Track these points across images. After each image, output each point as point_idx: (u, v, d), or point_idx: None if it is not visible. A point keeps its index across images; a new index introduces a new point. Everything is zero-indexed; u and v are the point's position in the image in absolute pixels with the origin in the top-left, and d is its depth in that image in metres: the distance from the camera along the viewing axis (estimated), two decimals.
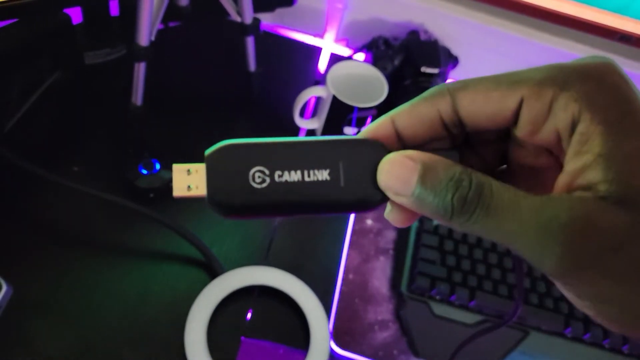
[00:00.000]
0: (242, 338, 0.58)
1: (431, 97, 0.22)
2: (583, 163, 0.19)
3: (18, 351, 0.53)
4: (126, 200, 0.59)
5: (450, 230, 0.66)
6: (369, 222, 0.68)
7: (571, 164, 0.20)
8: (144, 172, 0.64)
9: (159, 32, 0.65)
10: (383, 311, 0.62)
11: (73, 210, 0.63)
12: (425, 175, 0.20)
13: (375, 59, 0.80)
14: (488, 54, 0.84)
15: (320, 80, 0.84)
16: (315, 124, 0.74)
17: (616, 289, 0.18)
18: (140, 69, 0.65)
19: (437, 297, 0.62)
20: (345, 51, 0.89)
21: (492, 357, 0.60)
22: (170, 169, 0.64)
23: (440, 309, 0.62)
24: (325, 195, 0.21)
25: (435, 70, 0.76)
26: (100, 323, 0.56)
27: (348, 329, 0.60)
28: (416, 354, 0.60)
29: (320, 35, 0.90)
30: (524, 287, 0.62)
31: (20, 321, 0.55)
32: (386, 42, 0.81)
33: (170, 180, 0.66)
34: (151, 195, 0.64)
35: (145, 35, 0.61)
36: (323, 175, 0.21)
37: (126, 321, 0.57)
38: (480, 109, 0.21)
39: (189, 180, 0.22)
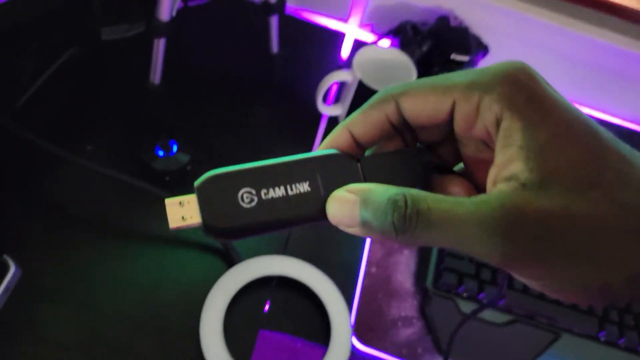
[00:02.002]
0: (260, 330, 0.55)
1: (378, 103, 0.25)
2: (508, 156, 0.22)
3: (24, 335, 0.51)
4: (142, 182, 0.56)
5: None
6: None
7: (499, 157, 0.22)
8: (161, 153, 0.61)
9: (179, 11, 0.62)
10: (407, 307, 0.59)
11: (86, 191, 0.60)
12: (366, 204, 0.22)
13: (403, 45, 0.76)
14: (520, 44, 0.80)
15: (342, 66, 0.81)
16: (339, 110, 0.71)
17: (549, 268, 0.21)
18: (160, 45, 0.62)
19: (465, 295, 0.59)
20: (369, 37, 0.85)
21: (524, 359, 0.57)
22: (188, 151, 0.62)
23: (467, 307, 0.59)
24: (309, 205, 0.23)
25: (465, 58, 0.73)
26: (111, 309, 0.54)
27: (370, 325, 0.57)
28: (441, 352, 0.57)
29: (345, 20, 0.86)
30: (504, 274, 0.58)
31: (28, 304, 0.52)
32: (414, 27, 0.77)
33: (187, 164, 0.64)
34: (167, 178, 0.61)
35: (166, 9, 0.58)
36: (304, 187, 0.23)
37: (138, 308, 0.54)
38: (421, 112, 0.24)
39: (182, 211, 0.23)
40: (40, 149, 0.56)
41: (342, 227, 0.23)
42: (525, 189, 0.21)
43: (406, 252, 0.63)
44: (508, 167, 0.22)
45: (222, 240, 0.26)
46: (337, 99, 0.74)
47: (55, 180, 0.59)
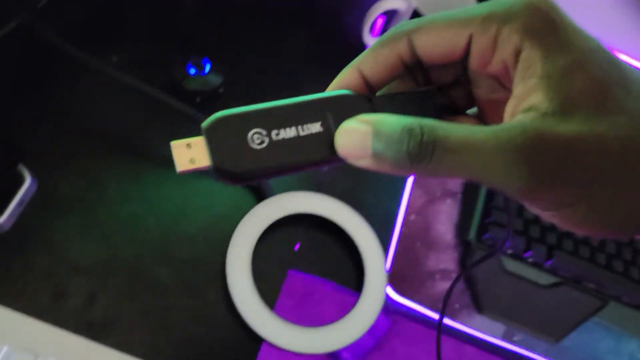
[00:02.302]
0: (289, 270, 0.51)
1: (390, 41, 0.24)
2: (528, 87, 0.21)
3: (39, 253, 0.47)
4: (172, 99, 0.51)
5: None
6: None
7: (517, 89, 0.22)
8: (192, 72, 0.56)
9: None
10: (446, 260, 0.55)
11: (110, 104, 0.55)
12: (379, 134, 0.21)
13: None
14: None
15: None
16: None
17: (577, 193, 0.20)
18: None
19: (510, 252, 0.55)
20: None
21: (566, 324, 0.53)
22: (221, 72, 0.56)
23: (512, 265, 0.55)
24: (321, 145, 0.23)
25: None
26: (130, 233, 0.50)
27: (406, 275, 0.53)
28: (480, 310, 0.53)
29: None
30: (512, 216, 0.54)
31: (43, 220, 0.48)
32: None
33: (220, 86, 0.59)
34: (198, 99, 0.56)
35: None
36: (316, 127, 0.23)
37: (160, 236, 0.50)
38: (435, 48, 0.23)
39: (190, 154, 0.22)
40: (63, 54, 0.51)
41: (351, 160, 0.22)
42: (545, 117, 0.20)
43: (449, 201, 0.58)
44: (527, 99, 0.21)
45: (232, 183, 0.23)
46: (384, 30, 0.68)
47: (78, 90, 0.54)
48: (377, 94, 0.25)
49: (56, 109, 0.54)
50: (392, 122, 0.21)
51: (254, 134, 0.22)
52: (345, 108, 0.23)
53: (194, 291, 0.49)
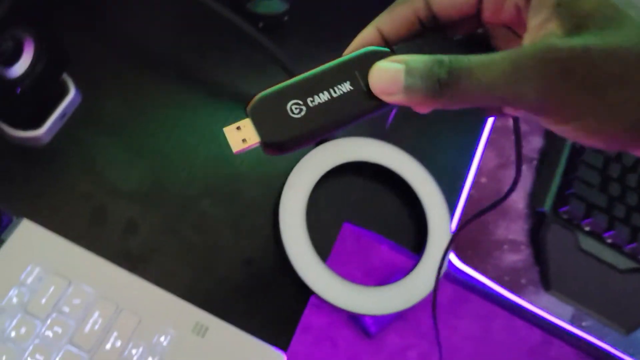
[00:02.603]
0: (345, 223, 0.47)
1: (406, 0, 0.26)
2: (541, 18, 0.23)
3: (77, 171, 0.43)
4: (237, 18, 0.45)
5: (620, 154, 0.52)
6: None
7: (532, 22, 0.23)
8: None
9: None
10: (516, 230, 0.50)
11: (166, 21, 0.50)
12: (410, 68, 0.23)
13: None
14: None
15: None
16: None
17: (590, 100, 0.21)
18: None
19: (588, 229, 0.49)
20: None
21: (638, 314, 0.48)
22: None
23: (588, 244, 0.49)
24: (355, 101, 0.25)
25: None
26: (177, 163, 0.45)
27: (472, 242, 0.48)
28: (548, 288, 0.48)
29: None
30: (522, 154, 0.48)
31: (85, 138, 0.44)
32: None
33: (285, 13, 0.53)
34: (260, 24, 0.51)
35: None
36: (346, 87, 0.25)
37: (210, 170, 0.46)
38: (449, 2, 0.25)
39: (241, 135, 0.24)
40: None
41: (384, 97, 0.24)
42: (558, 36, 0.22)
43: (524, 166, 0.52)
44: (542, 28, 0.22)
45: (281, 154, 0.25)
46: None
47: (132, 4, 0.49)
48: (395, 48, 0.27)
49: (108, 23, 0.49)
50: (421, 57, 0.23)
51: (292, 105, 0.24)
52: (370, 63, 0.25)
53: (242, 232, 0.44)
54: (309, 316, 0.43)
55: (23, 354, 0.35)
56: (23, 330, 0.36)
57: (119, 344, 0.37)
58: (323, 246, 0.45)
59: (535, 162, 0.53)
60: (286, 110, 0.24)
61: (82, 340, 0.37)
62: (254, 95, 0.25)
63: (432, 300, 0.42)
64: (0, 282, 0.37)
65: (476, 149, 0.52)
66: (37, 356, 0.36)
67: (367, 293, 0.44)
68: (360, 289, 0.44)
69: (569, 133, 0.23)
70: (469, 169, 0.51)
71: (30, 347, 0.36)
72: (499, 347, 0.48)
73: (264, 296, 0.43)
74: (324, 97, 0.24)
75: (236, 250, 0.44)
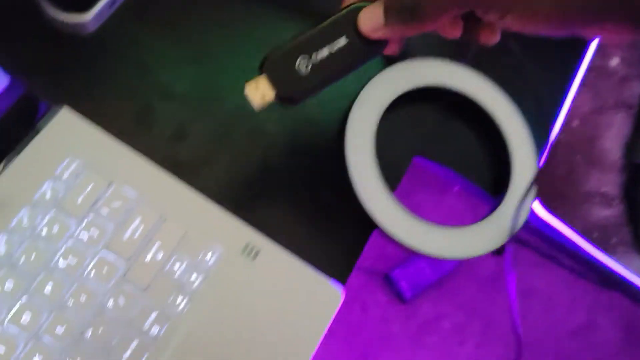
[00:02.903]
0: (415, 157, 0.41)
1: None
2: None
3: (125, 66, 0.38)
4: None
5: None
6: (615, 61, 0.47)
7: None
8: None
9: None
10: (609, 183, 0.44)
11: None
12: (387, 6, 0.27)
13: None
14: None
15: None
16: None
17: None
18: None
19: None
20: None
21: None
22: None
23: None
24: (351, 53, 0.29)
25: None
26: (235, 73, 0.40)
27: (559, 190, 0.42)
28: None
29: None
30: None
31: (135, 31, 0.39)
32: None
33: None
34: None
35: None
36: (342, 41, 0.29)
37: None
38: None
39: (259, 92, 0.29)
40: None
41: (371, 34, 0.28)
42: None
43: (622, 114, 0.46)
44: None
45: (293, 105, 0.30)
46: None
47: None
48: None
49: None
50: None
51: (299, 63, 0.28)
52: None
53: (302, 153, 0.39)
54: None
55: (54, 256, 0.31)
56: (56, 228, 0.32)
57: (160, 255, 0.33)
58: (391, 179, 0.40)
59: (634, 110, 0.46)
60: (295, 67, 0.28)
61: (120, 247, 0.32)
62: (267, 54, 0.29)
63: (508, 250, 0.36)
64: (34, 174, 0.32)
65: (569, 89, 0.46)
66: (70, 259, 0.31)
67: (436, 233, 0.39)
68: (430, 227, 0.39)
69: (515, 23, 0.24)
70: (559, 110, 0.45)
71: (63, 249, 0.31)
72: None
73: (324, 225, 0.38)
74: (325, 52, 0.28)
75: (295, 171, 0.39)
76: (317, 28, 0.29)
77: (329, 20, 0.29)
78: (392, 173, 0.40)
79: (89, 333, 0.31)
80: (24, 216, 0.31)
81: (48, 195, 0.32)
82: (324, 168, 0.39)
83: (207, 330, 0.33)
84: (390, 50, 0.30)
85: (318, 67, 0.28)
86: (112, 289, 0.32)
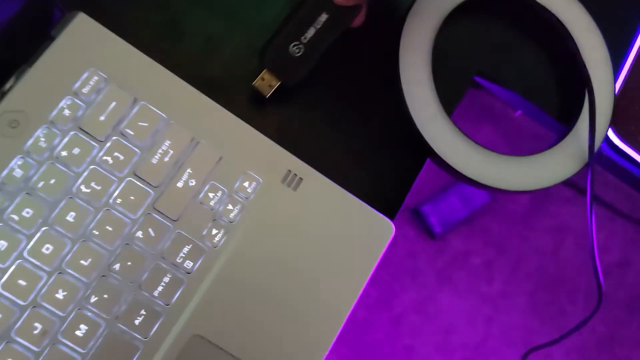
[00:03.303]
0: (476, 77, 0.36)
1: None
2: None
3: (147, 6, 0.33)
4: None
5: None
6: None
7: None
8: None
9: None
10: None
11: None
12: None
13: None
14: None
15: None
16: None
17: None
18: None
19: None
20: None
21: None
22: None
23: None
24: (334, 23, 0.32)
25: None
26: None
27: (637, 116, 0.38)
28: None
29: None
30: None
31: None
32: None
33: None
34: None
35: None
36: (324, 17, 0.32)
37: None
38: None
39: (266, 82, 0.32)
40: None
41: (346, 2, 0.31)
42: None
43: None
44: None
45: (297, 85, 0.32)
46: None
47: None
48: None
49: None
50: None
51: (292, 47, 0.32)
52: None
53: (351, 73, 0.35)
54: None
55: (76, 181, 0.28)
56: (76, 151, 0.28)
57: (193, 182, 0.29)
58: (448, 101, 0.35)
59: None
60: (290, 53, 0.32)
61: (149, 172, 0.29)
62: (262, 49, 0.32)
63: (589, 181, 0.32)
64: (50, 89, 0.28)
65: None
66: (93, 185, 0.28)
67: (501, 162, 0.34)
68: (493, 156, 0.34)
69: None
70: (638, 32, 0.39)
71: (85, 173, 0.28)
72: None
73: (372, 153, 0.34)
74: (311, 31, 0.32)
75: (343, 92, 0.34)
76: (299, 13, 0.32)
77: (308, 2, 0.32)
78: (449, 94, 0.35)
79: (116, 267, 0.28)
80: (40, 136, 0.28)
81: (66, 113, 0.28)
82: (374, 89, 0.35)
83: (246, 266, 0.29)
84: (359, 19, 0.32)
85: (309, 46, 0.32)
86: (140, 219, 0.28)
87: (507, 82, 0.37)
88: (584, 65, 0.35)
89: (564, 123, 0.37)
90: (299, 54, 0.32)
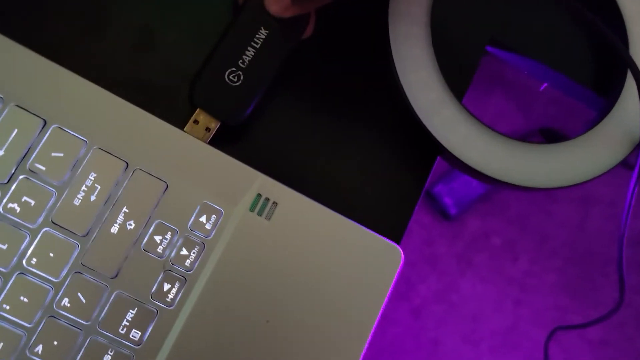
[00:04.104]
0: (488, 47, 0.29)
1: None
2: None
3: None
4: None
5: None
6: None
7: None
8: None
9: None
10: None
11: None
12: None
13: None
14: None
15: None
16: None
17: None
18: None
19: None
20: None
21: None
22: None
23: None
24: (278, 39, 0.25)
25: None
26: None
27: None
28: None
29: None
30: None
31: None
32: None
33: None
34: None
35: None
36: (263, 33, 0.25)
37: None
38: None
39: (202, 125, 0.25)
40: None
41: (284, 13, 0.25)
42: None
43: None
44: None
45: (238, 122, 0.25)
46: None
47: None
48: None
49: None
50: None
51: (228, 76, 0.25)
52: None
53: (327, 55, 0.27)
54: None
55: None
56: None
57: (132, 225, 0.22)
58: (456, 81, 0.28)
59: None
60: (227, 83, 0.25)
61: (71, 218, 0.22)
62: (191, 83, 0.25)
63: (638, 163, 0.25)
64: None
65: None
66: None
67: (531, 153, 0.27)
68: (520, 147, 0.27)
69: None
70: None
71: None
72: None
73: (367, 157, 0.27)
74: (251, 52, 0.25)
75: (319, 80, 0.27)
76: (230, 34, 0.25)
77: (239, 19, 0.25)
78: (457, 72, 0.28)
79: (38, 349, 0.21)
80: None
81: None
82: (359, 82, 0.27)
83: (215, 325, 0.22)
84: (308, 31, 0.26)
85: (249, 71, 0.25)
86: (65, 282, 0.21)
87: (529, 50, 0.29)
88: (622, 24, 0.28)
89: (604, 96, 0.29)
90: (237, 83, 0.25)
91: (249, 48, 0.25)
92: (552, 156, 0.27)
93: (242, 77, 0.25)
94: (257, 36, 0.25)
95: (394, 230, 0.26)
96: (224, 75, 0.25)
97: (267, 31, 0.25)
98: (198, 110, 0.25)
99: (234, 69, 0.25)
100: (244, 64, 0.25)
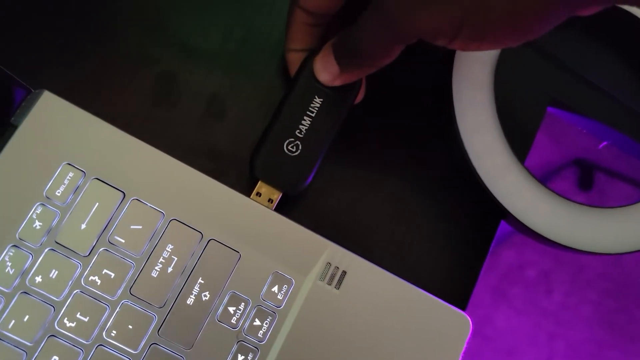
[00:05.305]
0: (549, 108, 0.29)
1: (290, 16, 0.25)
2: None
3: (125, 16, 0.27)
4: None
5: None
6: None
7: None
8: None
9: None
10: None
11: None
12: (336, 44, 0.24)
13: None
14: None
15: None
16: None
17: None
18: None
19: None
20: None
21: None
22: None
23: None
24: (333, 105, 0.26)
25: None
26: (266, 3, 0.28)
27: None
28: None
29: None
30: None
31: None
32: None
33: None
34: None
35: None
36: (317, 101, 0.26)
37: None
38: (320, 2, 0.25)
39: (265, 196, 0.25)
40: None
41: (333, 82, 0.25)
42: None
43: None
44: None
45: (300, 191, 0.25)
46: None
47: None
48: None
49: None
50: (338, 37, 0.24)
51: (287, 146, 0.25)
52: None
53: (392, 119, 0.28)
54: None
55: (57, 314, 0.21)
56: (54, 273, 0.22)
57: (207, 296, 0.22)
58: (518, 143, 0.28)
59: None
60: (286, 154, 0.25)
61: (149, 290, 0.22)
62: (252, 156, 0.25)
63: None
64: (15, 196, 0.22)
65: None
66: (79, 316, 0.22)
67: (598, 218, 0.27)
68: (588, 212, 0.27)
69: (467, 43, 0.20)
70: None
71: (68, 302, 0.22)
72: None
73: (430, 222, 0.27)
74: (307, 122, 0.25)
75: (380, 146, 0.27)
76: (286, 106, 0.26)
77: (293, 91, 0.26)
78: (519, 134, 0.28)
79: None
80: (6, 261, 0.21)
81: (37, 226, 0.22)
82: (420, 145, 0.28)
83: None
84: (360, 95, 0.26)
85: (307, 140, 0.25)
86: (143, 354, 0.22)
87: (589, 111, 0.29)
88: None
89: None
90: (296, 153, 0.25)
91: (305, 117, 0.25)
92: (618, 219, 0.27)
93: (300, 147, 0.25)
94: (312, 105, 0.25)
95: (459, 296, 0.26)
96: (282, 146, 0.25)
97: (321, 99, 0.25)
98: (260, 182, 0.25)
99: (292, 139, 0.25)
100: (301, 134, 0.25)
